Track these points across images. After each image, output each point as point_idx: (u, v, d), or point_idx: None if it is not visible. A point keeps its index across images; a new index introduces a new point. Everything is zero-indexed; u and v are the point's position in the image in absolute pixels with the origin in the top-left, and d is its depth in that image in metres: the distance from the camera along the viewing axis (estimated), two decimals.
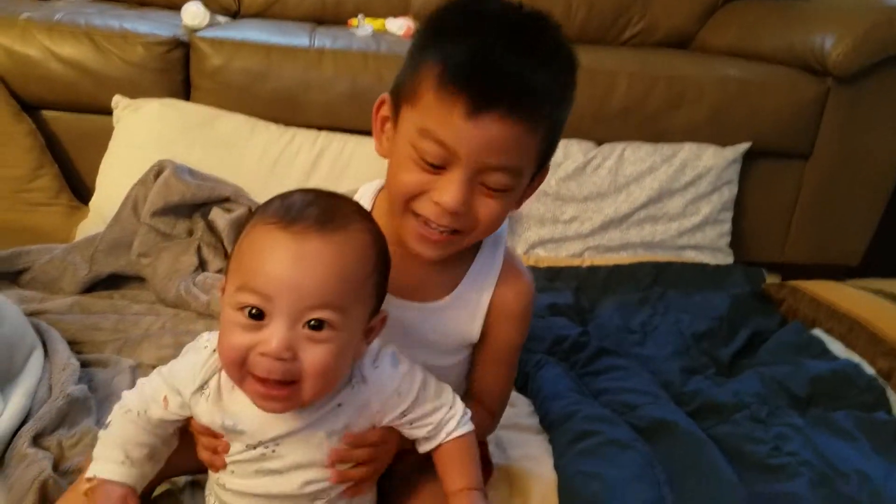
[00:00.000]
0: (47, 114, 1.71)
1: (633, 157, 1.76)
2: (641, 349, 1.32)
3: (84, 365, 1.12)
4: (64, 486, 0.85)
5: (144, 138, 1.61)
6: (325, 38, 1.76)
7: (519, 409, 1.14)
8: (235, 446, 0.69)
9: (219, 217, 1.43)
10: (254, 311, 0.62)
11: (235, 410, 0.68)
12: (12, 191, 1.61)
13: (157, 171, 1.46)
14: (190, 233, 1.44)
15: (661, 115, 1.79)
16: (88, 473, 0.71)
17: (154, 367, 1.16)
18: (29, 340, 1.11)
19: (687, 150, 1.78)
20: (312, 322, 0.61)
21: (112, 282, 1.43)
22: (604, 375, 1.20)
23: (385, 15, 2.03)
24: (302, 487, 0.70)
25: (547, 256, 1.69)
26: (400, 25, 1.94)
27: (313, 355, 0.62)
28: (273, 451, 0.68)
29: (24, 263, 1.39)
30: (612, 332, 1.37)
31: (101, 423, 0.97)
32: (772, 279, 1.72)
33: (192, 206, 1.45)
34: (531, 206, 1.72)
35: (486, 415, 0.90)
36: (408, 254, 0.78)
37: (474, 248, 0.84)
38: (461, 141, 0.69)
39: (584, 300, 1.50)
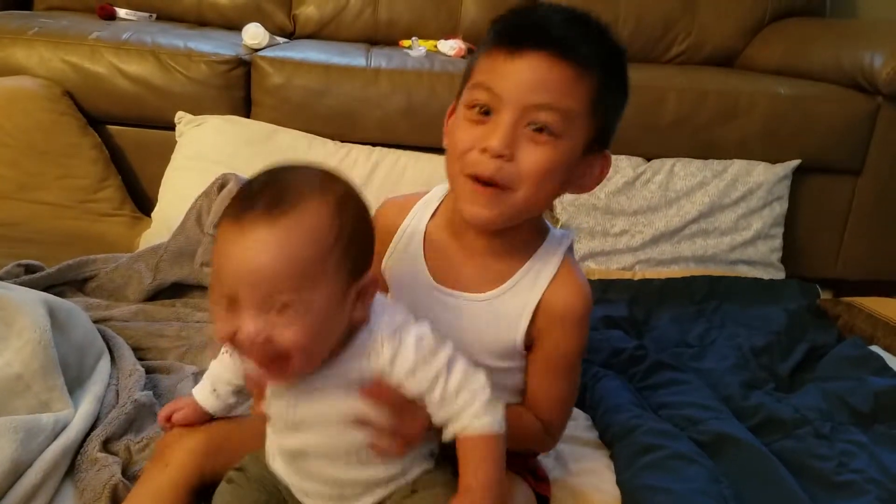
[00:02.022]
0: (112, 128, 1.77)
1: (683, 171, 1.77)
2: (699, 363, 1.31)
3: (148, 371, 1.15)
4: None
5: (206, 152, 1.66)
6: (380, 58, 1.80)
7: (577, 422, 1.13)
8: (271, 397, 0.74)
9: None
10: (229, 303, 0.65)
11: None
12: (78, 201, 1.67)
13: (221, 183, 1.50)
14: None
15: (710, 131, 1.80)
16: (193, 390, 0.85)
17: None
18: (97, 346, 1.14)
19: (737, 165, 1.79)
20: (278, 306, 0.64)
21: (175, 290, 1.46)
22: (663, 389, 1.20)
23: (435, 36, 2.08)
24: (333, 444, 0.72)
25: (598, 269, 1.70)
26: (451, 46, 1.99)
27: (285, 335, 0.64)
28: (296, 403, 0.71)
29: (90, 271, 1.43)
30: (668, 346, 1.37)
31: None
32: (825, 295, 1.71)
33: None
34: (580, 219, 1.73)
35: (540, 428, 0.88)
36: (465, 243, 0.82)
37: (533, 245, 0.83)
38: (504, 80, 0.73)
39: (639, 312, 1.50)
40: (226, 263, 0.65)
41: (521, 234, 0.82)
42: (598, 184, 0.82)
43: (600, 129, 0.78)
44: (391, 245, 0.88)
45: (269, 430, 0.78)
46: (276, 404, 0.72)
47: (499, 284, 0.82)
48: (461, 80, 0.81)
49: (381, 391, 0.70)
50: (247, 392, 0.83)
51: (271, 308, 0.64)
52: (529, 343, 0.84)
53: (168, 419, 0.85)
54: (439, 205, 0.88)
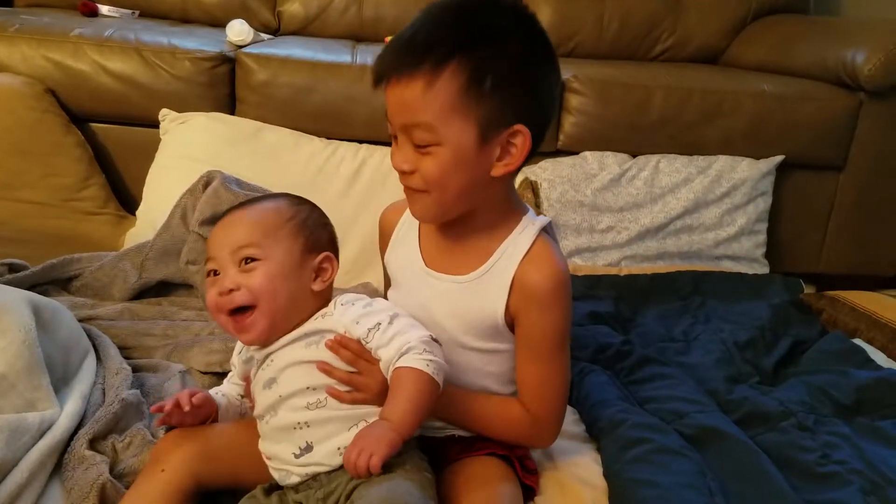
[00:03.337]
0: (96, 126, 1.76)
1: (669, 168, 1.78)
2: (685, 357, 1.33)
3: (135, 370, 1.15)
4: (121, 488, 0.87)
5: (191, 150, 1.65)
6: (366, 55, 1.80)
7: (565, 416, 1.15)
8: (252, 372, 0.90)
9: None
10: (213, 272, 0.86)
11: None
12: (62, 199, 1.66)
13: (206, 181, 1.49)
14: None
15: (695, 128, 1.81)
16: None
17: (204, 372, 1.22)
18: (83, 345, 1.14)
19: (722, 161, 1.80)
20: (243, 260, 0.84)
21: (161, 289, 1.46)
22: (649, 384, 1.21)
23: None
24: (294, 384, 0.83)
25: (584, 265, 1.71)
26: None
27: (252, 280, 0.83)
28: (270, 362, 0.86)
29: (74, 270, 1.42)
30: (654, 341, 1.38)
31: (151, 426, 1.01)
32: (809, 289, 1.73)
33: None
34: (567, 215, 1.74)
35: (527, 419, 0.91)
36: (449, 230, 0.91)
37: (510, 226, 0.90)
38: (388, 109, 0.84)
39: (625, 308, 1.51)
40: (212, 237, 0.87)
41: (492, 216, 0.89)
42: (524, 156, 0.84)
43: (485, 114, 0.80)
44: (391, 239, 0.99)
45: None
46: (257, 372, 0.88)
47: (481, 263, 0.89)
48: None
49: (340, 342, 0.83)
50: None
51: (239, 262, 0.84)
52: (511, 322, 0.89)
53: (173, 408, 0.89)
54: None
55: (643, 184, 1.76)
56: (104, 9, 2.05)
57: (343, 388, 0.83)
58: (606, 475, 0.99)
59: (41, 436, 0.91)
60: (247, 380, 0.92)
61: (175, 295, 1.46)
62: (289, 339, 0.86)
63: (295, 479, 0.83)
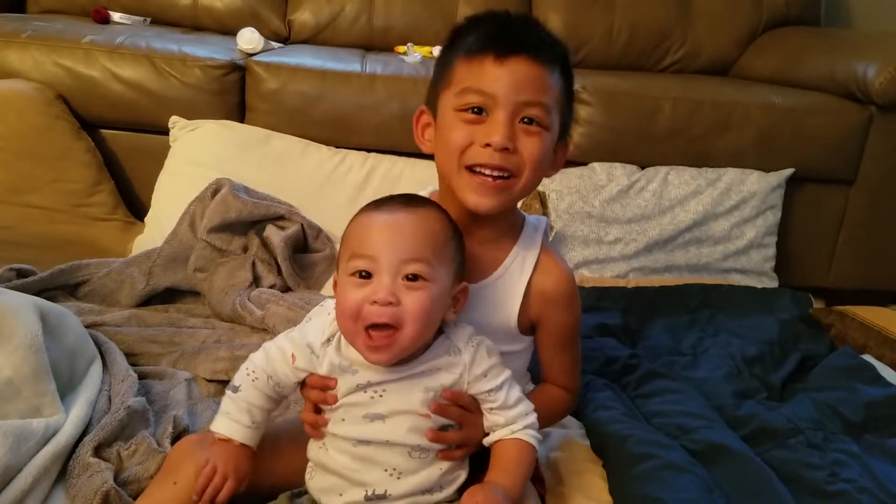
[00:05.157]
0: (106, 132, 1.77)
1: (678, 180, 1.77)
2: (692, 372, 1.31)
3: (140, 377, 1.14)
4: (125, 496, 0.87)
5: (200, 157, 1.65)
6: (376, 64, 1.81)
7: (571, 430, 1.14)
8: (348, 387, 0.80)
9: (273, 234, 1.47)
10: (363, 273, 0.76)
11: (352, 357, 0.80)
12: (71, 205, 1.66)
13: (215, 188, 1.50)
14: (245, 249, 1.48)
15: (705, 140, 1.80)
16: (218, 430, 0.81)
17: (210, 380, 1.22)
18: (89, 351, 1.14)
19: (731, 174, 1.79)
20: (409, 275, 0.75)
21: (168, 296, 1.46)
22: (656, 398, 1.19)
23: (431, 42, 2.08)
24: (403, 436, 0.79)
25: (592, 276, 1.70)
26: None
27: (412, 300, 0.75)
28: (380, 395, 0.79)
29: (82, 276, 1.42)
30: (662, 354, 1.37)
31: (156, 434, 1.00)
32: (817, 304, 1.71)
33: (247, 223, 1.48)
34: (575, 226, 1.74)
35: (563, 393, 0.99)
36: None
37: (517, 229, 0.93)
38: (496, 83, 0.82)
39: (633, 321, 1.50)
40: (369, 233, 0.77)
41: (507, 221, 0.92)
42: (557, 170, 0.94)
43: (564, 120, 0.89)
44: None
45: (330, 427, 0.81)
46: (359, 396, 0.79)
47: (493, 271, 0.91)
48: (432, 85, 0.91)
49: (450, 400, 0.80)
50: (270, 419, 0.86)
51: (402, 276, 0.75)
52: (524, 325, 0.93)
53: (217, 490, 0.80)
54: None
55: (652, 195, 1.76)
56: (116, 16, 2.06)
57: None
58: (612, 491, 0.98)
59: (46, 442, 0.91)
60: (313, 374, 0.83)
61: (182, 302, 1.46)
62: (412, 371, 0.79)
63: None
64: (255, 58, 1.77)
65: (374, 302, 0.74)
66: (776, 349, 1.41)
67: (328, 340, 0.81)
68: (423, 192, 0.93)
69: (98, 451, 0.94)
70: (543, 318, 0.93)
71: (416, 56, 1.94)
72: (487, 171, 0.83)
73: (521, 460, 0.80)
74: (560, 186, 1.74)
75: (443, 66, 0.88)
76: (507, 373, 0.83)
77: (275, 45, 1.98)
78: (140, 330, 1.31)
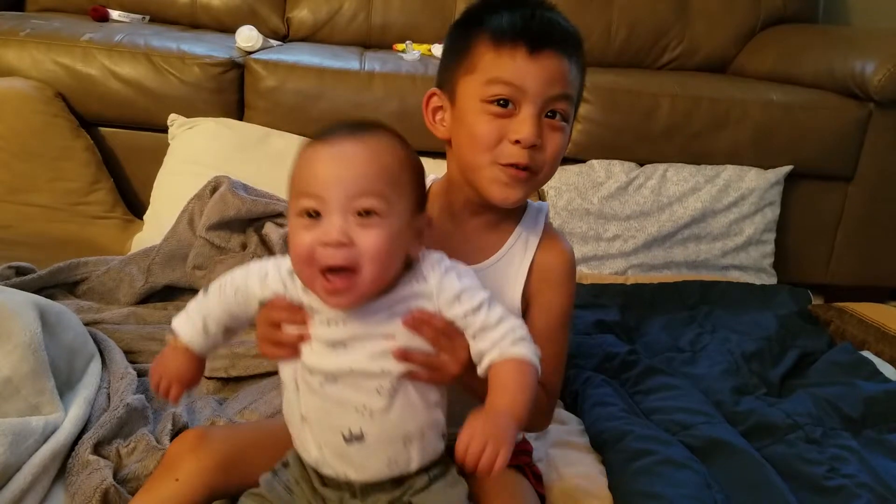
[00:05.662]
0: (104, 130, 1.77)
1: (676, 177, 1.77)
2: (691, 368, 1.32)
3: (139, 374, 1.14)
4: (124, 494, 0.87)
5: (199, 155, 1.65)
6: (374, 62, 1.81)
7: (570, 426, 1.14)
8: (313, 321, 0.74)
9: (272, 232, 1.46)
10: (311, 212, 0.69)
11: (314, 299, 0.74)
12: (70, 203, 1.66)
13: (214, 186, 1.50)
14: (244, 247, 1.47)
15: (703, 137, 1.81)
16: (174, 324, 0.79)
17: (209, 378, 1.21)
18: (88, 349, 1.14)
19: (729, 171, 1.80)
20: (361, 211, 0.69)
21: (167, 293, 1.46)
22: (655, 394, 1.20)
23: (429, 40, 2.08)
24: (367, 362, 0.72)
25: (591, 273, 1.70)
26: None
27: (368, 239, 0.68)
28: (342, 321, 0.73)
29: (81, 274, 1.43)
30: (660, 351, 1.38)
31: (155, 431, 1.00)
32: (816, 300, 1.72)
33: (246, 220, 1.48)
34: (573, 223, 1.74)
35: (542, 392, 0.90)
36: (458, 219, 0.89)
37: (519, 212, 0.91)
38: (527, 77, 0.80)
39: (631, 317, 1.51)
40: (314, 169, 0.70)
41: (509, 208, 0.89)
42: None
43: (576, 109, 0.88)
44: None
45: (303, 360, 0.75)
46: (321, 327, 0.74)
47: (494, 253, 0.89)
48: (447, 66, 0.87)
49: (422, 319, 0.73)
50: (230, 335, 0.81)
51: (354, 212, 0.68)
52: (525, 306, 0.90)
53: (166, 392, 0.80)
54: (427, 190, 0.90)
55: (650, 192, 1.76)
56: (114, 14, 2.06)
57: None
58: (612, 487, 0.98)
59: (45, 440, 0.91)
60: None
61: (181, 299, 1.46)
62: (376, 306, 0.73)
63: (328, 471, 0.76)
64: (254, 56, 1.77)
65: (326, 244, 0.68)
66: (775, 345, 1.41)
67: (291, 273, 0.76)
68: (427, 179, 0.90)
69: (97, 448, 0.94)
70: (537, 297, 0.89)
71: (415, 54, 1.94)
72: (514, 168, 0.83)
73: (520, 377, 0.72)
74: (559, 183, 1.75)
75: (463, 47, 0.84)
76: (483, 293, 0.74)
77: (273, 42, 1.97)
78: (139, 328, 1.31)
